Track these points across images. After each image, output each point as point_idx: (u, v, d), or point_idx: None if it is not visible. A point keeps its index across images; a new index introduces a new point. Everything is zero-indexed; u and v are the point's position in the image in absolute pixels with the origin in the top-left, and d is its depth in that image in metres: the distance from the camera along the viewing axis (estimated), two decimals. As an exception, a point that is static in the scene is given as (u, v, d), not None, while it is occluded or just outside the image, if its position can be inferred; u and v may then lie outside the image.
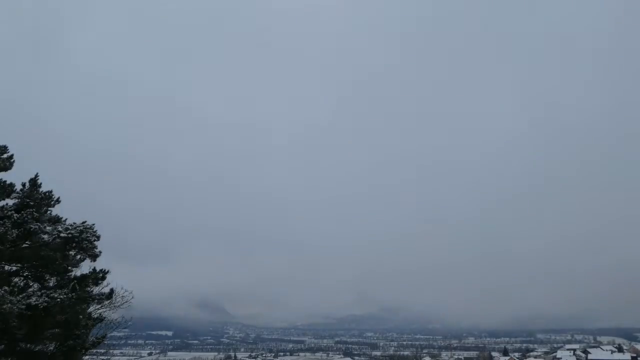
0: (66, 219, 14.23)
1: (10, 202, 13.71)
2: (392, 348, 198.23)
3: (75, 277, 13.79)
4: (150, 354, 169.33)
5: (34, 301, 12.00)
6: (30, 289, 13.08)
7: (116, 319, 15.77)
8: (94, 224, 13.74)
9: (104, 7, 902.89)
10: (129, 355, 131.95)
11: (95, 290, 14.07)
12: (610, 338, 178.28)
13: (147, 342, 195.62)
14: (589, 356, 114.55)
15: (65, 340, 13.54)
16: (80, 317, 13.64)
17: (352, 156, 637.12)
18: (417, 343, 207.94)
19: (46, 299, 12.15)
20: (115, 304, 15.03)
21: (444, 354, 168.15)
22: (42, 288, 13.23)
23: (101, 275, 13.95)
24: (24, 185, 13.94)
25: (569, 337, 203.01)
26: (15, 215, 12.68)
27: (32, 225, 12.79)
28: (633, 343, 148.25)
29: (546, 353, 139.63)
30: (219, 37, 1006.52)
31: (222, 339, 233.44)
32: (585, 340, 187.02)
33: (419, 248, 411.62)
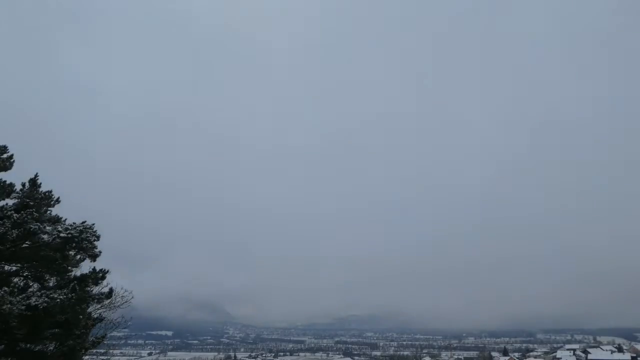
0: (66, 219, 14.23)
1: (10, 202, 13.71)
2: (392, 348, 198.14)
3: (75, 277, 13.79)
4: (150, 354, 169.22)
5: (34, 301, 11.99)
6: (30, 289, 13.08)
7: (116, 319, 15.78)
8: (93, 224, 13.73)
9: (106, 11, 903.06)
10: (129, 355, 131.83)
11: (95, 290, 14.07)
12: (610, 338, 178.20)
13: (147, 342, 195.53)
14: (589, 356, 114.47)
15: (65, 340, 13.53)
16: (80, 317, 13.63)
17: (361, 167, 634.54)
18: (417, 343, 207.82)
19: (46, 299, 12.14)
20: (115, 304, 15.05)
21: (444, 354, 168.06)
22: (42, 288, 13.22)
23: (101, 275, 13.94)
24: (23, 185, 13.94)
25: (569, 337, 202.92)
26: (15, 215, 12.67)
27: (32, 225, 12.78)
28: (633, 343, 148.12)
29: (546, 353, 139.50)
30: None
31: (222, 339, 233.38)
32: (585, 340, 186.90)
33: (419, 248, 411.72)
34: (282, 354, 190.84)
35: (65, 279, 13.79)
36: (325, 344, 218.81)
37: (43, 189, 14.09)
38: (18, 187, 13.92)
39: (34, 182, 14.00)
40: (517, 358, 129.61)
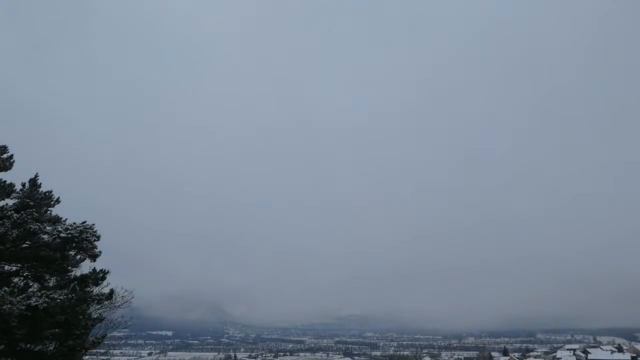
0: (66, 219, 14.24)
1: (10, 202, 13.72)
2: (392, 348, 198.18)
3: (75, 277, 13.80)
4: (150, 354, 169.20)
5: (34, 301, 11.99)
6: (30, 290, 13.08)
7: (116, 319, 15.78)
8: (93, 224, 13.74)
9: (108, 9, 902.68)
10: (129, 355, 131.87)
11: (95, 290, 14.07)
12: (610, 338, 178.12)
13: (147, 342, 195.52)
14: (589, 356, 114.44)
15: (65, 340, 13.53)
16: (80, 317, 13.63)
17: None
18: (417, 343, 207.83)
19: (46, 299, 12.13)
20: (115, 304, 15.05)
21: (444, 354, 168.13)
22: (42, 288, 13.22)
23: (101, 275, 13.95)
24: (23, 185, 13.95)
25: (569, 337, 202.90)
26: (15, 215, 12.67)
27: (32, 225, 12.78)
28: (633, 343, 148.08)
29: (546, 353, 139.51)
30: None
31: (222, 339, 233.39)
32: (585, 340, 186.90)
33: (420, 249, 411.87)
34: (282, 354, 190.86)
35: (65, 279, 13.80)
36: (325, 344, 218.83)
37: (43, 188, 14.12)
38: (18, 187, 13.93)
39: (34, 182, 14.01)
40: (517, 358, 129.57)
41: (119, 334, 16.83)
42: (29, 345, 13.27)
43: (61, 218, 14.25)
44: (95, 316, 14.57)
